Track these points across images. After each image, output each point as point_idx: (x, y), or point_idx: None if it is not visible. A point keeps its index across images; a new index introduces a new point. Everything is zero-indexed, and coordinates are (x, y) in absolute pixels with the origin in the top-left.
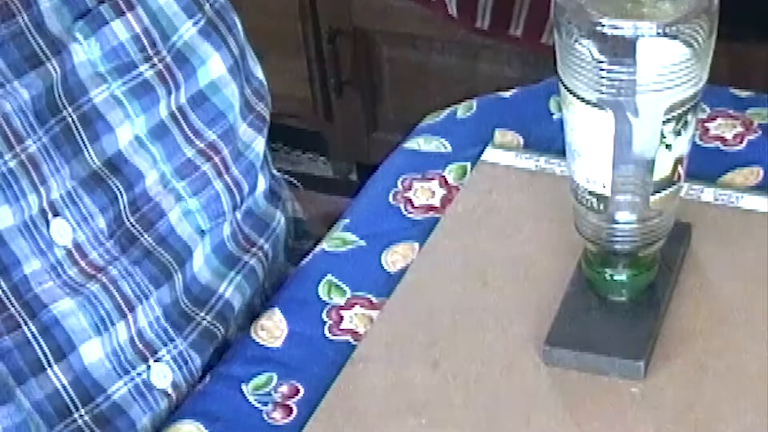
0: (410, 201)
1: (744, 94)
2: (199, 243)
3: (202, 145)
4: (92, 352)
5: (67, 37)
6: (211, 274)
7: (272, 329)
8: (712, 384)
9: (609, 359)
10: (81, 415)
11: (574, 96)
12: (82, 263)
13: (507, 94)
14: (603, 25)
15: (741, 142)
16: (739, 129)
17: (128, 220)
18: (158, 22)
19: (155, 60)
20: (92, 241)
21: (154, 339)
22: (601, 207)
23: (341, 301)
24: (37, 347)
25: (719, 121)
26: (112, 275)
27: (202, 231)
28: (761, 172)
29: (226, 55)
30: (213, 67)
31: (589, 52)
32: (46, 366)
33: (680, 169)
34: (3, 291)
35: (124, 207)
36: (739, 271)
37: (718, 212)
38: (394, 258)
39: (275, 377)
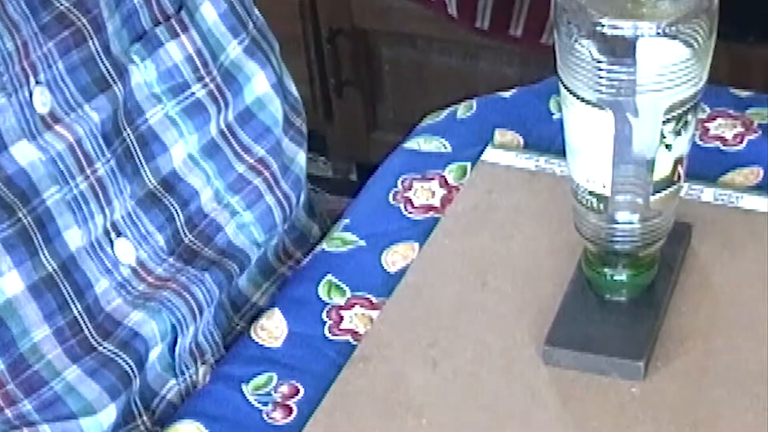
0: (410, 201)
1: (744, 94)
2: (256, 254)
3: (252, 161)
4: (152, 358)
5: (125, 59)
6: (248, 282)
7: (272, 329)
8: (712, 384)
9: (609, 359)
10: (144, 421)
11: (574, 96)
12: (149, 279)
13: (507, 94)
14: (603, 25)
15: (741, 142)
16: (739, 129)
17: (186, 237)
18: (208, 42)
19: (207, 80)
20: (154, 258)
21: (203, 342)
22: (601, 207)
23: (341, 301)
24: (122, 362)
25: (719, 121)
26: (182, 282)
27: (258, 244)
28: (761, 172)
29: (270, 72)
30: (258, 84)
31: (589, 52)
32: (133, 378)
33: (680, 169)
34: (79, 313)
35: (182, 225)
36: (739, 270)
37: (718, 212)
38: (394, 258)
39: (275, 377)
